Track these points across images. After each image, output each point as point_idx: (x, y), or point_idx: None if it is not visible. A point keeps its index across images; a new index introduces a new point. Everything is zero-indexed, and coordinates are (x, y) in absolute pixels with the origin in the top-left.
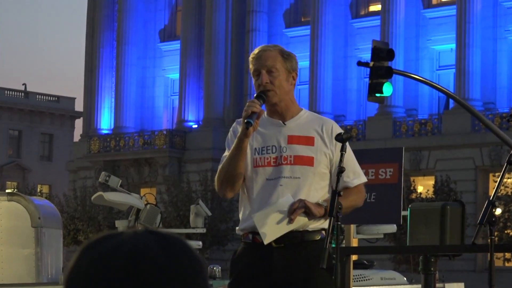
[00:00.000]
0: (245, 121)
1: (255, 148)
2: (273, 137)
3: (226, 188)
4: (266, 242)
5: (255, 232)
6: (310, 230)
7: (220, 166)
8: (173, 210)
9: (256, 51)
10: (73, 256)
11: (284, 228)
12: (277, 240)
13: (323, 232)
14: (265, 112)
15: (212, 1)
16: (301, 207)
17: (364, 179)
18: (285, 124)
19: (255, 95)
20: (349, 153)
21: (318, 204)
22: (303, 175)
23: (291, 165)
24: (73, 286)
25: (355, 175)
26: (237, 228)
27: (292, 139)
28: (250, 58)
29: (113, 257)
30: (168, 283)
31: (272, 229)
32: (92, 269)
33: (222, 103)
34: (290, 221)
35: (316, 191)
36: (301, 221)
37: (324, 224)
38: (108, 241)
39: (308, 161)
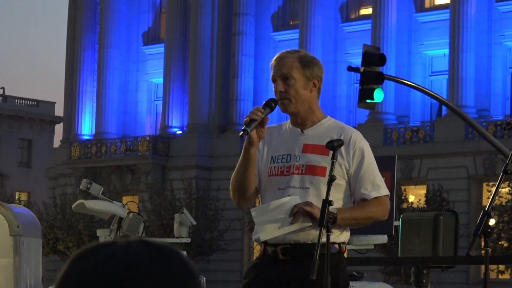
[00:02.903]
0: (242, 128)
1: (272, 157)
2: (289, 145)
3: (237, 198)
4: (262, 239)
5: (266, 243)
6: (320, 243)
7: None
8: (156, 218)
9: (275, 57)
10: (63, 266)
11: (283, 229)
12: (284, 253)
13: (336, 245)
14: (290, 121)
15: (198, 3)
16: (302, 211)
17: (384, 192)
18: (303, 133)
19: (264, 102)
20: (369, 163)
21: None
22: (313, 185)
23: (302, 175)
24: None
25: (374, 187)
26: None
27: (307, 148)
28: (271, 64)
29: (104, 268)
30: None
31: (270, 227)
32: (83, 280)
33: (208, 109)
34: (291, 222)
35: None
36: (304, 225)
37: (338, 237)
38: (100, 251)
39: (320, 171)
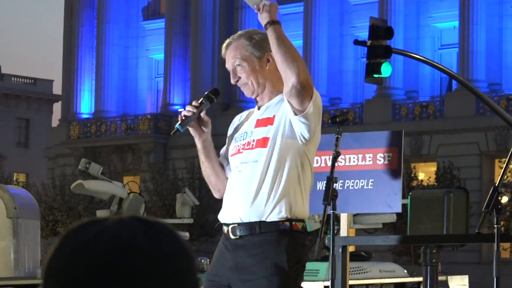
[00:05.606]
0: (175, 126)
1: (234, 137)
2: (248, 124)
3: (212, 188)
4: None
5: (223, 224)
6: (268, 221)
7: None
8: (158, 199)
9: (223, 46)
10: (54, 244)
11: None
12: (235, 232)
13: (287, 223)
14: None
15: None
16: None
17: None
18: (259, 109)
19: (205, 93)
20: None
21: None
22: (259, 158)
23: (251, 150)
24: (52, 275)
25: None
26: None
27: (258, 123)
28: (222, 54)
29: (95, 244)
30: (153, 275)
31: None
32: (72, 257)
33: (210, 85)
34: None
35: (275, 171)
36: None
37: (287, 213)
38: (91, 228)
39: (263, 143)
